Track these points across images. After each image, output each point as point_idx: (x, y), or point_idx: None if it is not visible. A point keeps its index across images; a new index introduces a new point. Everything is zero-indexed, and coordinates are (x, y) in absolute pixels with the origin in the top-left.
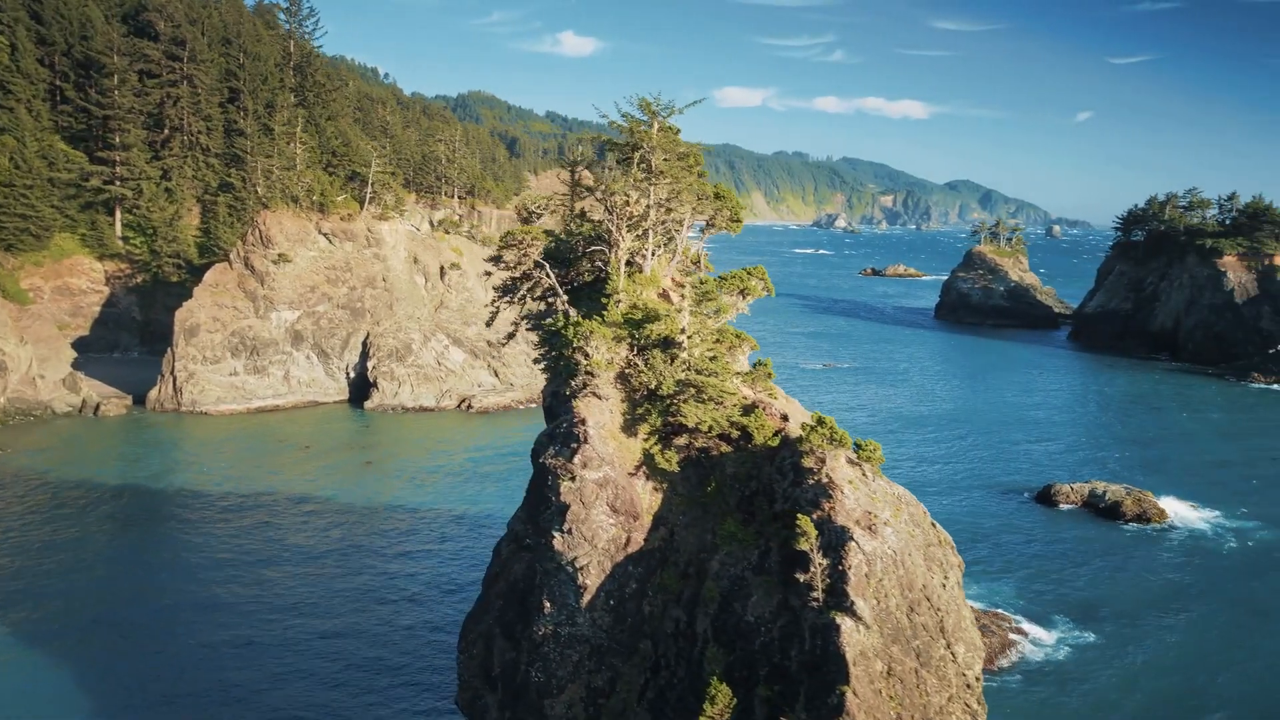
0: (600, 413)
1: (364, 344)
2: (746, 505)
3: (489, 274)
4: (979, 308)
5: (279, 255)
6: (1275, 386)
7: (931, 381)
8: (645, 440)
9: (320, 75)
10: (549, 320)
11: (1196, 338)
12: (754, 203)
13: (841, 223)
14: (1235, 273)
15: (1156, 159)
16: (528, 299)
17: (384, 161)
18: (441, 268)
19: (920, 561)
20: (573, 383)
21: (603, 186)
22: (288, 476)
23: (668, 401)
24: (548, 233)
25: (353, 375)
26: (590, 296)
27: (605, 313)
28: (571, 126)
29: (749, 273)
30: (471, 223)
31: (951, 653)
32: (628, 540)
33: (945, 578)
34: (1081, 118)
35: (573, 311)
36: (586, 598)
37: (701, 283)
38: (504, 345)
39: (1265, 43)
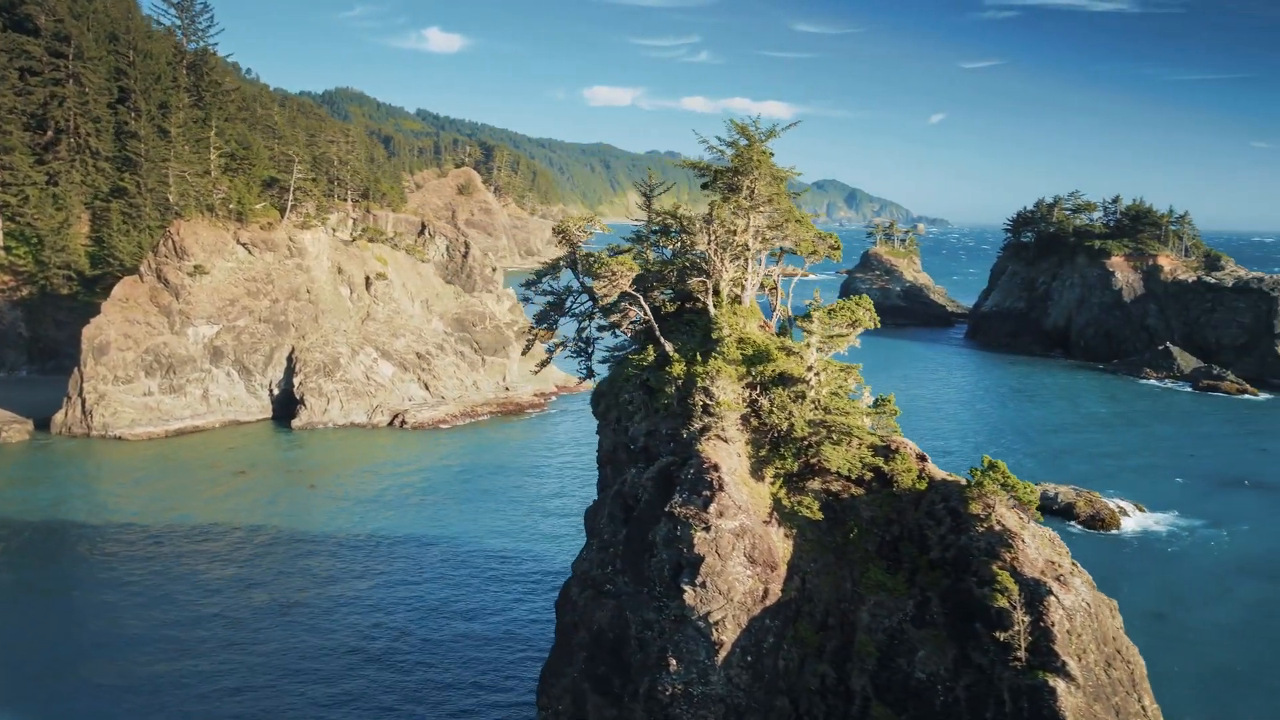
0: (728, 457)
1: (289, 359)
2: (889, 552)
3: (527, 299)
4: (878, 307)
5: (195, 267)
6: (1167, 383)
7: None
8: (772, 484)
9: (217, 74)
10: (636, 354)
11: (1088, 335)
12: (629, 201)
13: None
14: (1123, 273)
15: (1008, 158)
16: (557, 325)
17: (305, 166)
18: (367, 278)
19: (1107, 611)
20: (692, 425)
21: (703, 214)
22: (227, 504)
23: (801, 443)
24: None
25: (277, 392)
26: (677, 329)
27: (722, 349)
28: (444, 125)
29: (857, 303)
30: (367, 227)
31: (1142, 705)
32: (765, 592)
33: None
34: (935, 119)
35: (668, 345)
36: (721, 655)
37: (819, 315)
38: (536, 373)
39: (1095, 48)
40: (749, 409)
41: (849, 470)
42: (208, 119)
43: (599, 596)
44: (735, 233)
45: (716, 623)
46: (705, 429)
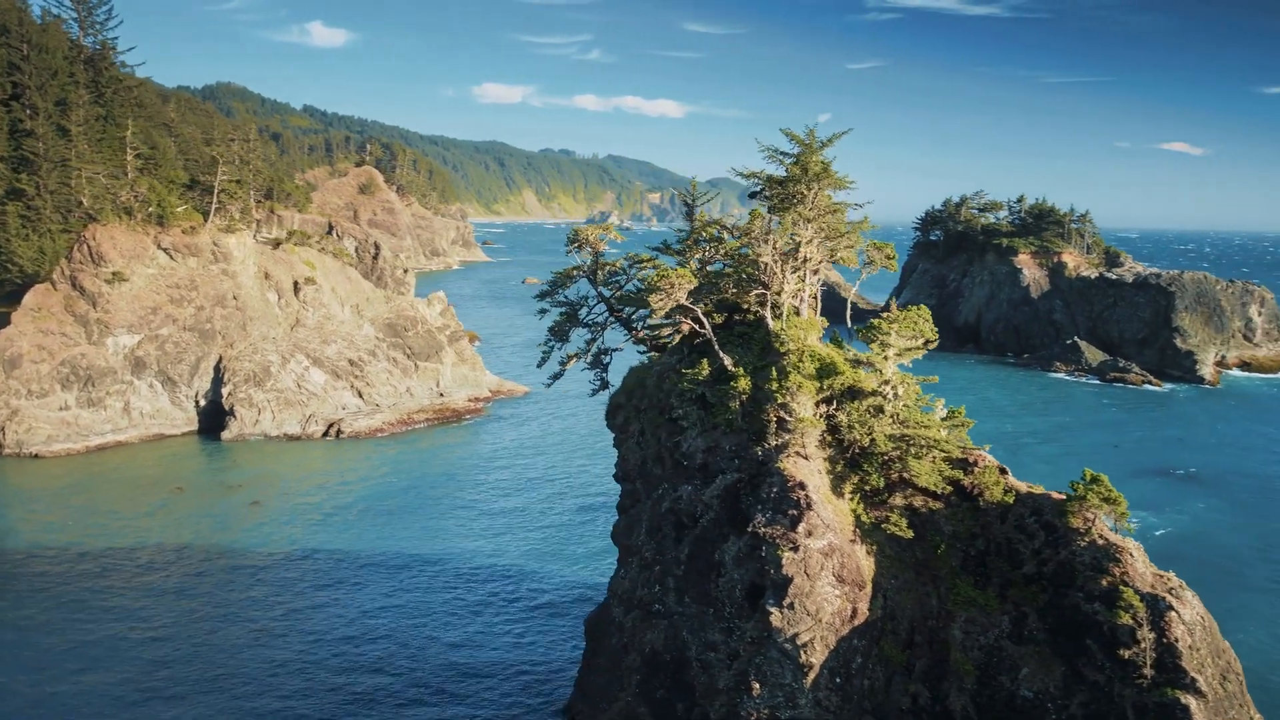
0: (811, 474)
1: (216, 368)
2: (975, 567)
3: (543, 312)
4: None
5: (113, 274)
6: (1076, 376)
7: None
8: (850, 500)
9: (118, 70)
10: (689, 369)
11: (998, 331)
12: (526, 200)
13: (614, 220)
14: (1030, 270)
15: (893, 158)
16: (571, 338)
17: (231, 168)
18: (295, 283)
19: (1214, 624)
20: (768, 442)
21: (760, 225)
22: (169, 524)
23: (883, 459)
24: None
25: (204, 403)
26: (729, 342)
27: (798, 364)
28: (332, 122)
29: (918, 313)
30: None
31: (1251, 718)
32: (854, 612)
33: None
34: (822, 119)
35: (727, 359)
36: (810, 677)
37: (896, 327)
38: (548, 386)
39: (971, 50)
40: (826, 424)
41: (934, 484)
42: (109, 117)
43: (648, 617)
44: (800, 244)
45: (805, 644)
46: (783, 446)
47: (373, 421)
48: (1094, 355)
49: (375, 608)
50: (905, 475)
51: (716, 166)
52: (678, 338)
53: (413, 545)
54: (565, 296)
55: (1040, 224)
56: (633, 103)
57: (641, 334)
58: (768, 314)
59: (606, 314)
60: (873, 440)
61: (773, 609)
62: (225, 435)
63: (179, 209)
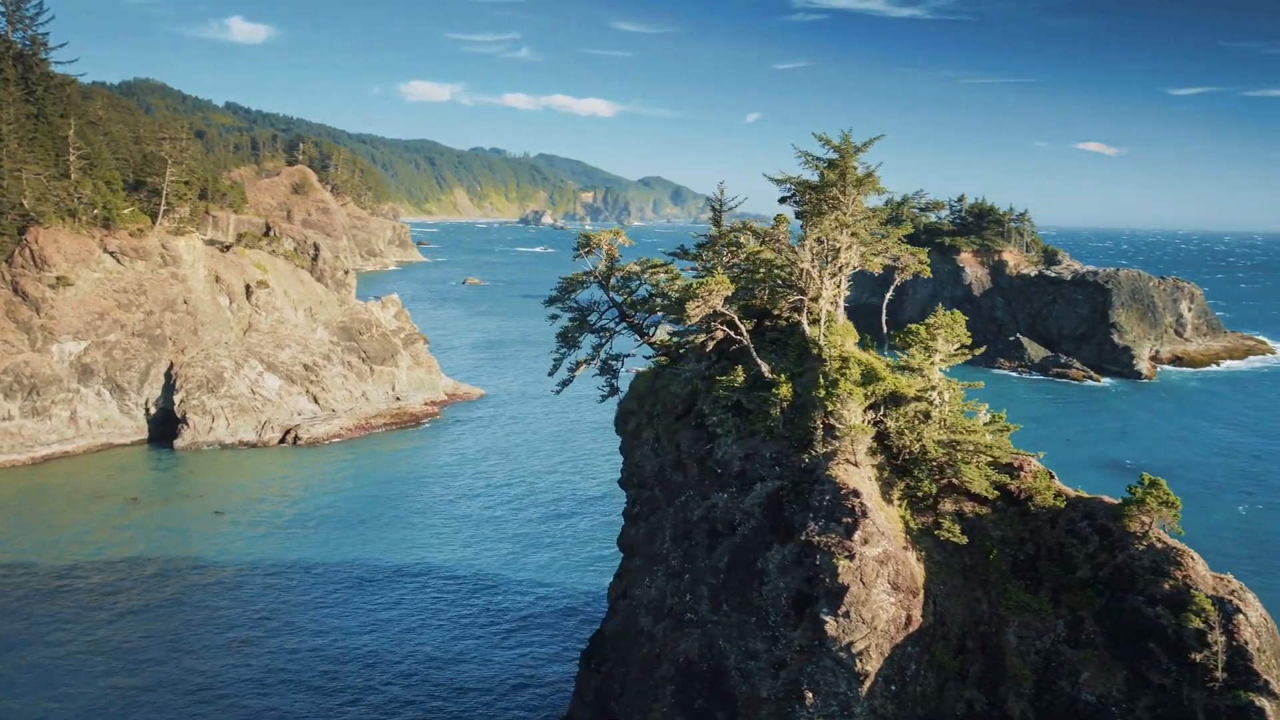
0: (862, 482)
1: (167, 375)
2: (1025, 571)
3: (554, 318)
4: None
5: (57, 278)
6: (1020, 372)
7: None
8: (899, 506)
9: (49, 67)
10: (724, 376)
11: None
12: (458, 199)
13: (548, 219)
14: (972, 268)
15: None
16: (582, 344)
17: (181, 169)
18: (247, 286)
19: (1274, 626)
20: (815, 449)
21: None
22: (130, 537)
23: (933, 465)
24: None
25: (154, 411)
26: (761, 348)
27: (846, 371)
28: (257, 119)
29: (953, 318)
30: (207, 229)
31: None
32: (908, 619)
33: None
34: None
35: (764, 366)
36: (865, 685)
37: (942, 332)
38: (558, 393)
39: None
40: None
41: (985, 490)
42: (41, 115)
43: (680, 626)
44: (839, 249)
45: (860, 653)
46: (832, 453)
47: (330, 427)
48: (1036, 351)
49: (358, 625)
50: (955, 481)
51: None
52: (709, 344)
53: (388, 555)
54: (576, 301)
55: (980, 223)
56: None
57: (653, 339)
58: (804, 320)
59: (616, 319)
60: (923, 447)
61: (828, 618)
62: (178, 444)
63: (125, 211)
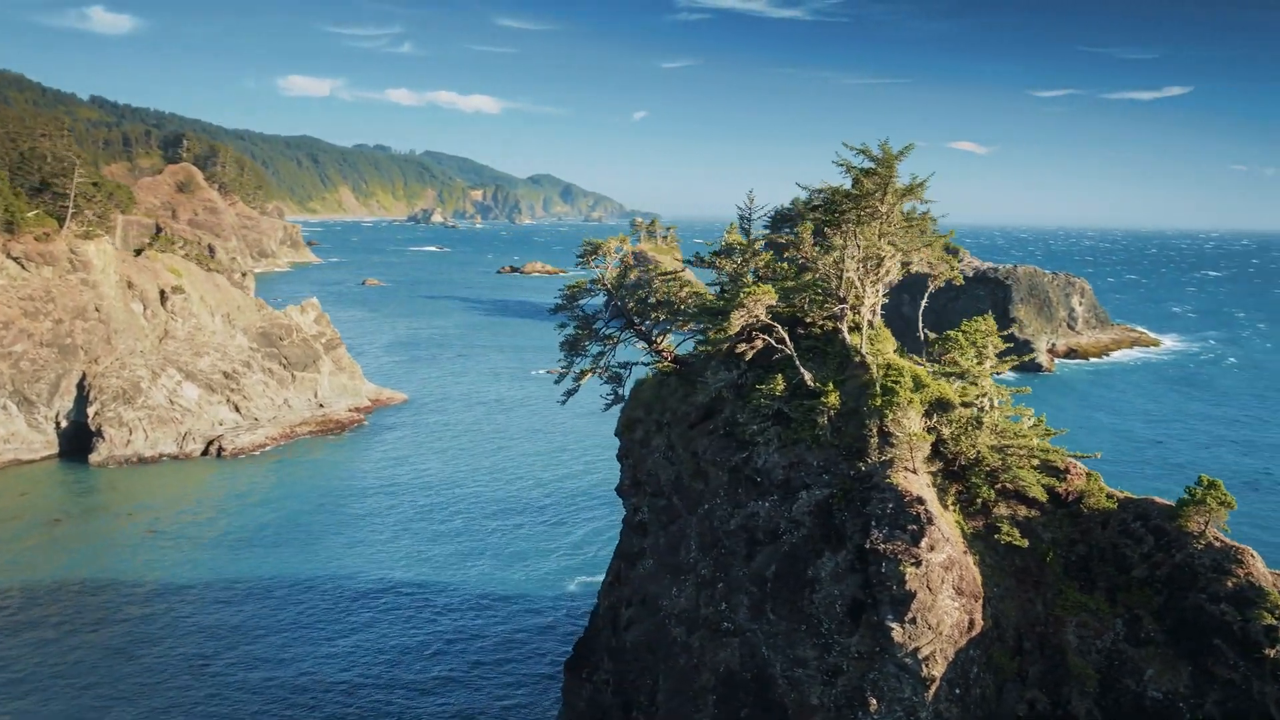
0: (923, 488)
1: (80, 386)
2: (1078, 572)
3: (563, 326)
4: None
5: None
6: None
7: None
8: (952, 511)
9: None
10: (763, 385)
11: None
12: (343, 197)
13: (437, 218)
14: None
15: (708, 154)
16: (588, 353)
17: (91, 170)
18: (162, 292)
19: None
20: (870, 457)
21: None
22: (57, 560)
23: (989, 470)
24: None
25: (66, 425)
26: (799, 356)
27: (900, 379)
28: (125, 114)
29: (984, 321)
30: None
31: None
32: (971, 623)
33: None
34: (639, 116)
35: (807, 375)
36: (931, 690)
37: (993, 340)
38: (563, 403)
39: (778, 51)
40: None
41: (1040, 494)
42: None
43: (716, 636)
44: (883, 259)
45: (926, 658)
46: (889, 461)
47: (255, 437)
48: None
49: (331, 653)
50: (1008, 485)
51: (539, 162)
52: (748, 352)
53: (343, 569)
54: (581, 309)
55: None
56: (448, 98)
57: (661, 347)
58: (844, 328)
59: (621, 328)
60: (978, 453)
61: (894, 624)
62: (94, 458)
63: (29, 215)
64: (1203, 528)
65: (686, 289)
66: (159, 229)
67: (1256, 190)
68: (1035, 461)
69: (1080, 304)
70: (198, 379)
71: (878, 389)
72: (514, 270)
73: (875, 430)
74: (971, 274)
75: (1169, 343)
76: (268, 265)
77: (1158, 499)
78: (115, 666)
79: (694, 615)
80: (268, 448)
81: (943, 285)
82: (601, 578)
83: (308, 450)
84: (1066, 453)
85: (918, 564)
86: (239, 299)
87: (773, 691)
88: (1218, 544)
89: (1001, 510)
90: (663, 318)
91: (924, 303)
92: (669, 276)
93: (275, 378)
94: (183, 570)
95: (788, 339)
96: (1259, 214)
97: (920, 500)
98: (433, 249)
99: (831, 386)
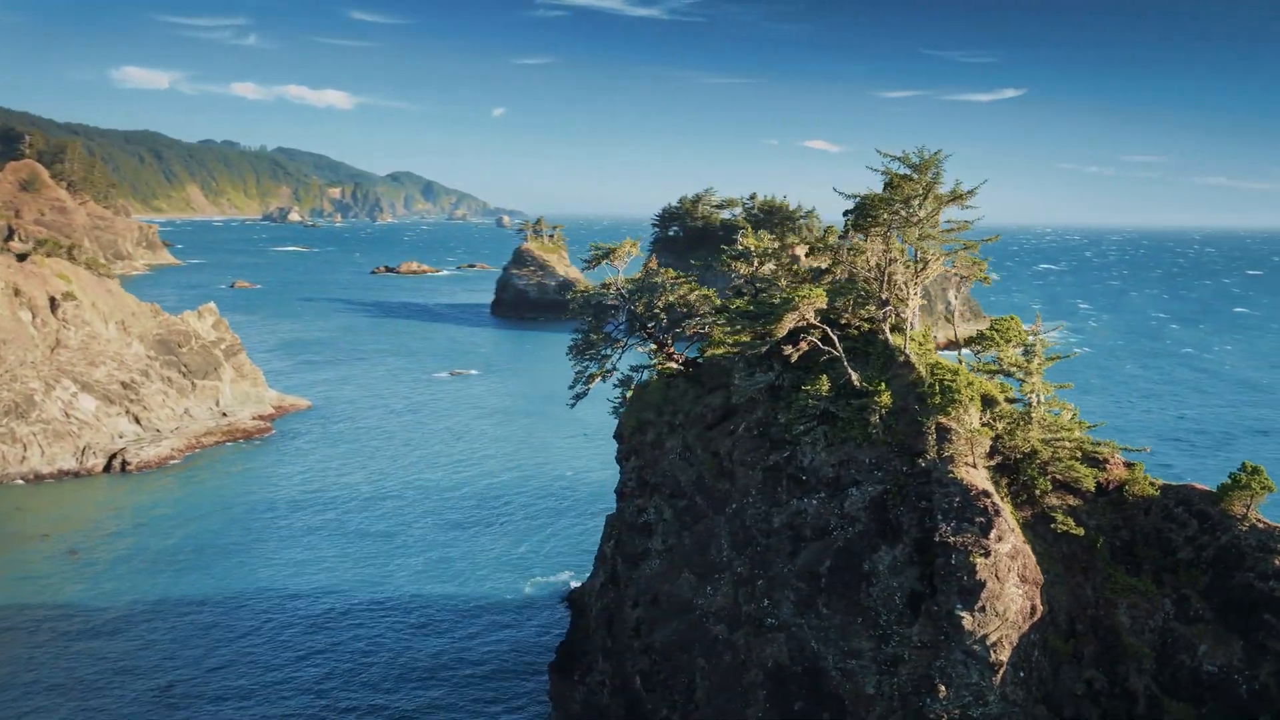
0: (985, 482)
1: None
2: (1124, 557)
3: (580, 331)
4: (537, 303)
5: None
6: None
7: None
8: (1006, 503)
9: None
10: (808, 385)
11: None
12: (191, 196)
13: (295, 216)
14: (768, 262)
15: (572, 152)
16: (597, 356)
17: None
18: (52, 299)
19: None
20: (929, 454)
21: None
22: None
23: (1041, 463)
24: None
25: None
26: (838, 357)
27: (957, 377)
28: None
29: (1017, 323)
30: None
31: None
32: (1033, 609)
33: None
34: (497, 113)
35: (854, 375)
36: (999, 675)
37: (1040, 337)
38: (572, 406)
39: (636, 50)
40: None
41: (1090, 485)
42: None
43: (761, 632)
44: (928, 261)
45: (994, 644)
46: (950, 457)
47: (160, 449)
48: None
49: (302, 674)
50: (1059, 477)
51: (396, 160)
52: (793, 355)
53: (289, 585)
54: (594, 314)
55: (772, 219)
56: (298, 92)
57: (672, 351)
58: (886, 328)
59: (637, 332)
60: (1032, 447)
61: (964, 613)
62: None
63: None
64: (1245, 511)
65: (696, 293)
66: (11, 231)
67: (1083, 188)
68: (1079, 454)
69: (956, 297)
70: (94, 390)
71: (936, 387)
72: (389, 270)
73: (933, 427)
74: None
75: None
76: (125, 268)
77: (1197, 485)
78: (86, 698)
79: (734, 613)
80: (174, 460)
81: (972, 286)
82: (560, 578)
83: (219, 462)
84: (1116, 445)
85: (986, 554)
86: (133, 305)
87: (826, 683)
88: (1261, 525)
89: (1053, 500)
90: (667, 320)
91: (956, 303)
92: (679, 281)
93: (175, 387)
94: (117, 591)
95: (836, 340)
96: (1085, 210)
97: (986, 493)
98: (296, 249)
99: (884, 386)
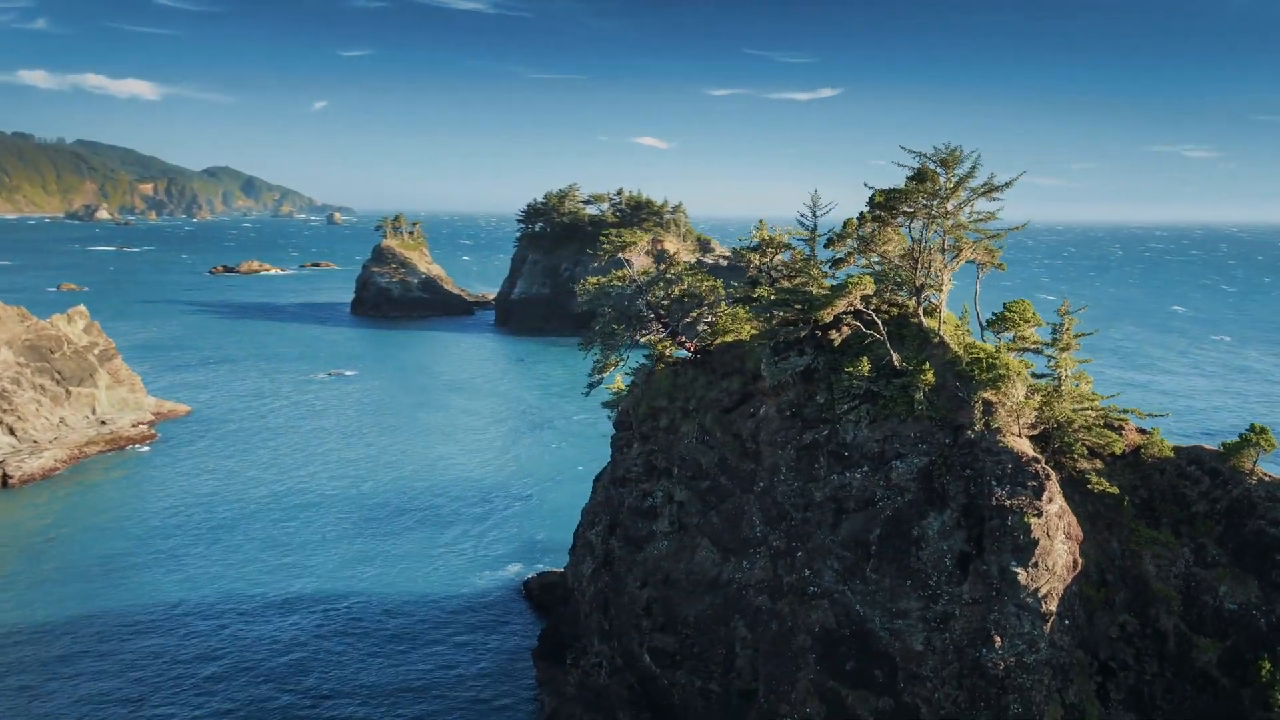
0: (1031, 450)
1: None
2: (1143, 512)
3: (599, 322)
4: (400, 301)
5: None
6: None
7: (465, 372)
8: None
9: None
10: (851, 368)
11: None
12: None
13: (104, 214)
14: (637, 258)
15: (402, 147)
16: (617, 346)
17: None
18: None
19: None
20: (976, 426)
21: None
22: None
23: (1076, 431)
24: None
25: None
26: (876, 339)
27: (997, 355)
28: None
29: (1021, 303)
30: None
31: None
32: (1075, 562)
33: None
34: (318, 106)
35: (895, 356)
36: (1049, 624)
37: (1068, 318)
38: (586, 394)
39: (460, 44)
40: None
41: (1118, 450)
42: None
43: (805, 599)
44: (961, 249)
45: (1044, 596)
46: (998, 429)
47: (42, 461)
48: None
49: (265, 686)
50: (1089, 443)
51: (213, 154)
52: (836, 339)
53: (209, 594)
54: (611, 303)
55: (639, 214)
56: (96, 81)
57: (683, 339)
58: (920, 313)
59: (646, 321)
60: (1067, 417)
61: (1018, 569)
62: None
63: None
64: (1252, 467)
65: (707, 283)
66: None
67: (898, 182)
68: (1102, 421)
69: (978, 283)
70: None
71: (983, 365)
72: (228, 270)
73: (980, 401)
74: (725, 263)
75: None
76: None
77: (1206, 446)
78: None
79: (775, 584)
80: (60, 471)
81: (988, 274)
82: (511, 570)
83: (108, 471)
84: (1141, 413)
85: (1039, 515)
86: None
87: (875, 644)
88: (1268, 479)
89: (1083, 464)
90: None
91: (977, 288)
92: (692, 271)
93: (49, 395)
94: (30, 611)
95: (880, 325)
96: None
97: (1036, 459)
98: (113, 248)
99: (927, 365)
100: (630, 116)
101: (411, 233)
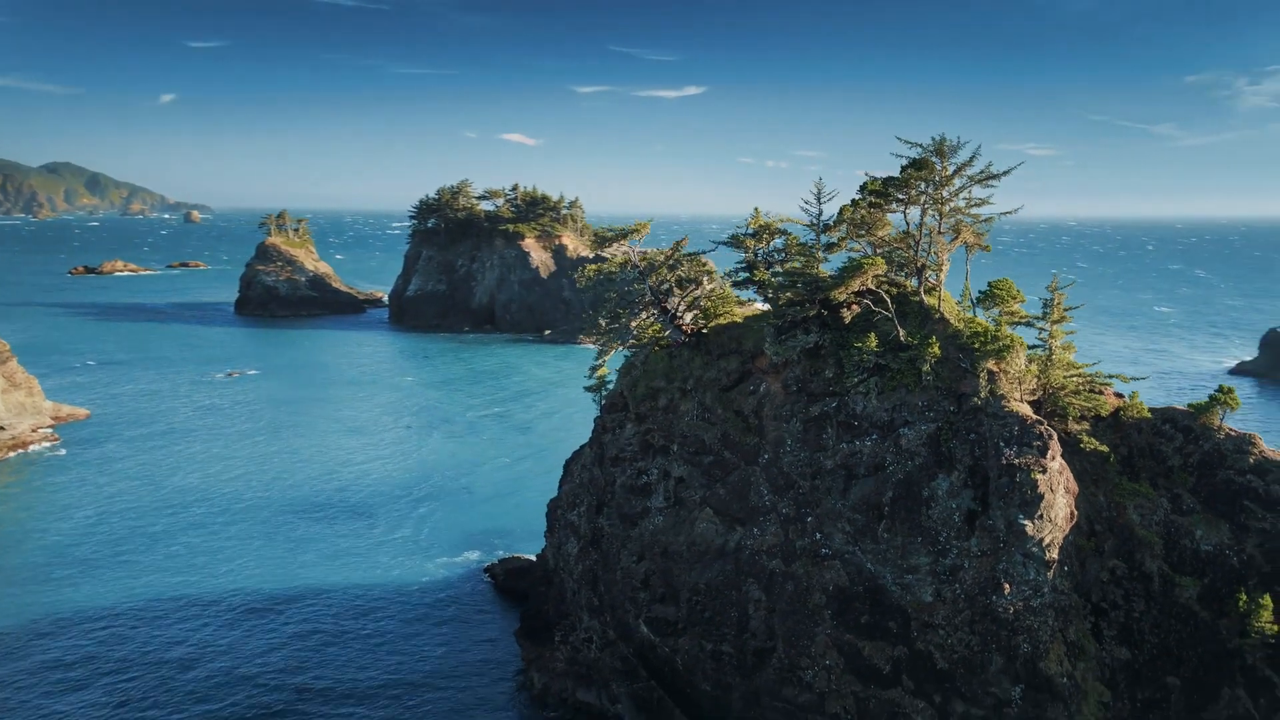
0: (1033, 413)
1: None
2: (1124, 467)
3: (602, 308)
4: (288, 299)
5: None
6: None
7: (366, 370)
8: None
9: None
10: (859, 343)
11: (513, 310)
12: None
13: None
14: (536, 252)
15: (261, 144)
16: (621, 329)
17: None
18: None
19: None
20: (981, 393)
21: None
22: None
23: (1068, 396)
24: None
25: None
26: (877, 317)
27: (1000, 330)
28: None
29: (1010, 284)
30: None
31: None
32: (1072, 513)
33: None
34: (166, 99)
35: (901, 331)
36: (1052, 571)
37: (1059, 294)
38: (594, 391)
39: (324, 36)
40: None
41: (1105, 412)
42: None
43: (817, 560)
44: (960, 231)
45: (1048, 545)
46: (1002, 395)
47: None
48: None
49: (240, 672)
50: (1080, 406)
51: (53, 149)
52: (847, 317)
53: (146, 598)
54: (614, 289)
55: (535, 210)
56: None
57: (681, 323)
58: (922, 292)
59: (654, 305)
60: (1061, 384)
61: (1026, 521)
62: None
63: None
64: (1220, 422)
65: (703, 267)
66: None
67: (762, 180)
68: (1088, 386)
69: (968, 263)
70: None
71: (986, 337)
72: (90, 271)
73: (985, 371)
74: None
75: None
76: None
77: (1178, 406)
78: None
79: (787, 548)
80: (3, 461)
81: (975, 255)
82: (470, 556)
83: (15, 477)
84: (1126, 378)
85: (1044, 471)
86: None
87: (887, 599)
88: (1234, 434)
89: (1075, 426)
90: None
91: (967, 268)
92: (692, 258)
93: None
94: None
95: (889, 302)
96: (765, 201)
97: (1041, 421)
98: None
99: (933, 339)
100: (498, 113)
101: (297, 230)
